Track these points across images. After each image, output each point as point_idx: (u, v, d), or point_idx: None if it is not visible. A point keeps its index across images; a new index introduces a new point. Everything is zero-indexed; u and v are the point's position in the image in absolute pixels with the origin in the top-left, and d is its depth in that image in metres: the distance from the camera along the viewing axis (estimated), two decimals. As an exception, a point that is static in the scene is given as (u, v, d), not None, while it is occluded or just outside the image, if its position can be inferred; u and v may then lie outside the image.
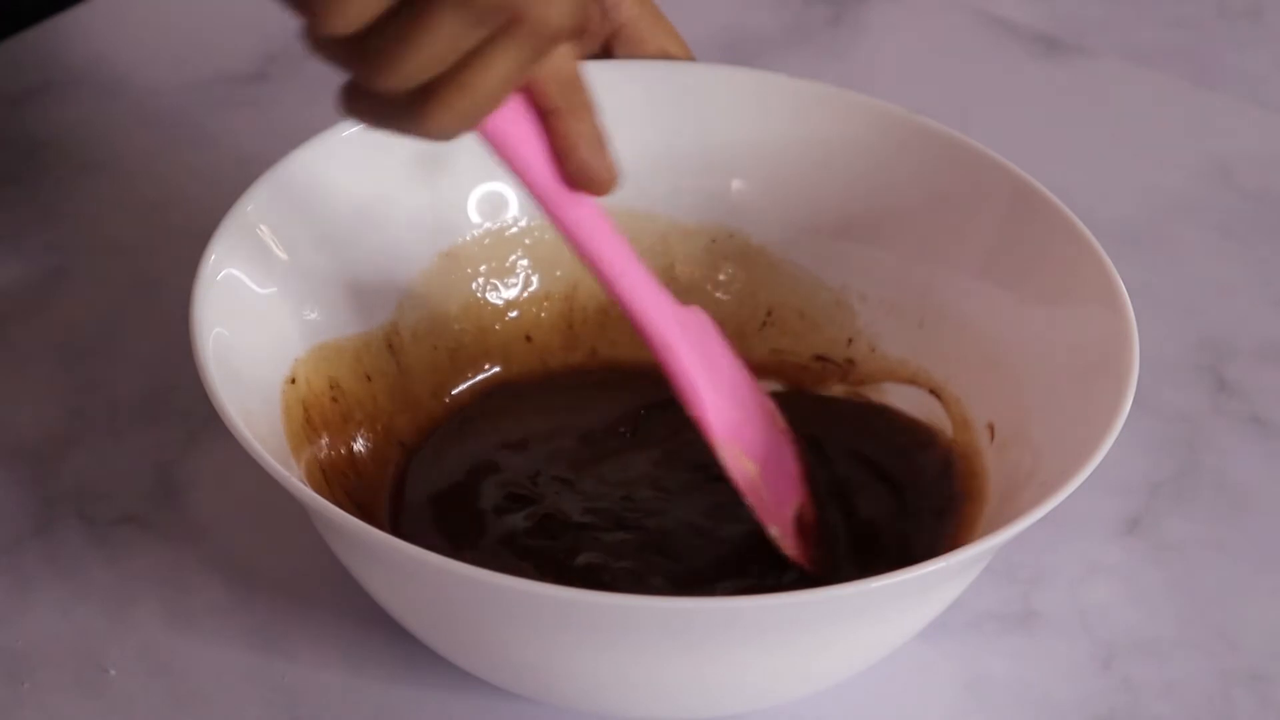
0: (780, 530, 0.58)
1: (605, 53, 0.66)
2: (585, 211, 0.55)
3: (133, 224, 0.75)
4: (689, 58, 0.67)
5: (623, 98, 0.66)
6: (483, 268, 0.66)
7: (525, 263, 0.67)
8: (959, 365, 0.63)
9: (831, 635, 0.52)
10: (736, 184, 0.67)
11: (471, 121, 0.50)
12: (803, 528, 0.60)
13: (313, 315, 0.61)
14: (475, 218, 0.66)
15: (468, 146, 0.65)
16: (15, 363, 0.69)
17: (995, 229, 0.63)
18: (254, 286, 0.59)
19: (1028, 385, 0.60)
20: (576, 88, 0.53)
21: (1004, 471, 0.59)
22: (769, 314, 0.67)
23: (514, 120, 0.53)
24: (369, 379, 0.63)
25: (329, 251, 0.62)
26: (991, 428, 0.61)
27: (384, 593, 0.55)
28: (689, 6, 0.72)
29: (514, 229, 0.66)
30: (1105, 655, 0.61)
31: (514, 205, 0.66)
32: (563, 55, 0.52)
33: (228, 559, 0.62)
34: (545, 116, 0.53)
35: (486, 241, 0.66)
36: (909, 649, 0.58)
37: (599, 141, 0.54)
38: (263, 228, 0.60)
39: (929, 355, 0.64)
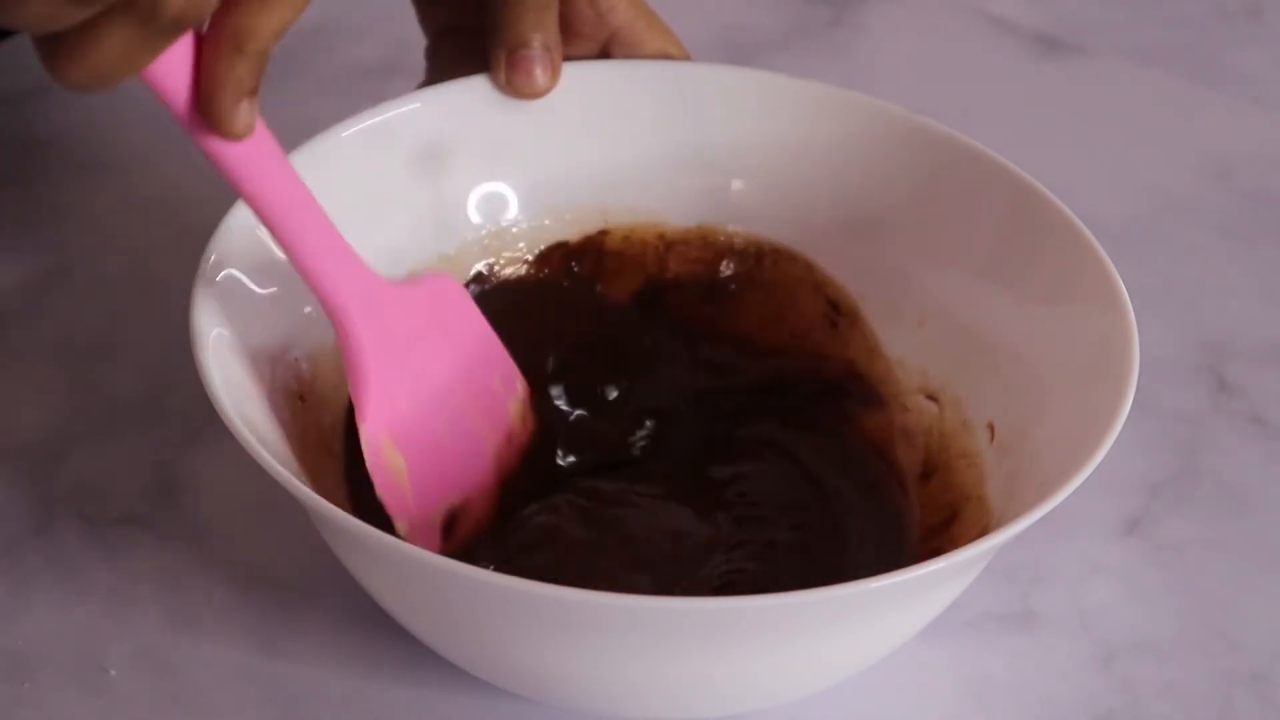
0: (411, 528, 0.58)
1: (603, 56, 0.66)
2: (245, 151, 0.52)
3: (133, 224, 0.75)
4: (687, 58, 0.67)
5: (623, 98, 0.66)
6: (483, 268, 0.66)
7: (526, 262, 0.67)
8: (959, 365, 0.63)
9: (831, 635, 0.52)
10: (736, 184, 0.67)
11: (100, 84, 0.48)
12: (456, 526, 0.59)
13: (313, 314, 0.61)
14: (475, 218, 0.66)
15: (468, 147, 0.65)
16: (15, 363, 0.69)
17: (995, 229, 0.63)
18: (254, 286, 0.59)
19: (1028, 385, 0.60)
20: (245, 35, 0.50)
21: (1004, 471, 0.59)
22: (769, 314, 0.67)
23: (169, 60, 0.50)
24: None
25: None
26: (991, 428, 0.61)
27: (384, 593, 0.55)
28: (689, 7, 0.72)
29: (514, 229, 0.66)
30: (1105, 655, 0.61)
31: (514, 205, 0.66)
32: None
33: (228, 559, 0.62)
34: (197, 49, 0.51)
35: (486, 241, 0.66)
36: (909, 649, 0.58)
37: (235, 82, 0.51)
38: (263, 228, 0.60)
39: (929, 355, 0.64)
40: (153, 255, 0.73)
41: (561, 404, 0.65)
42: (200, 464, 0.65)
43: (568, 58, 0.65)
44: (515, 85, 0.63)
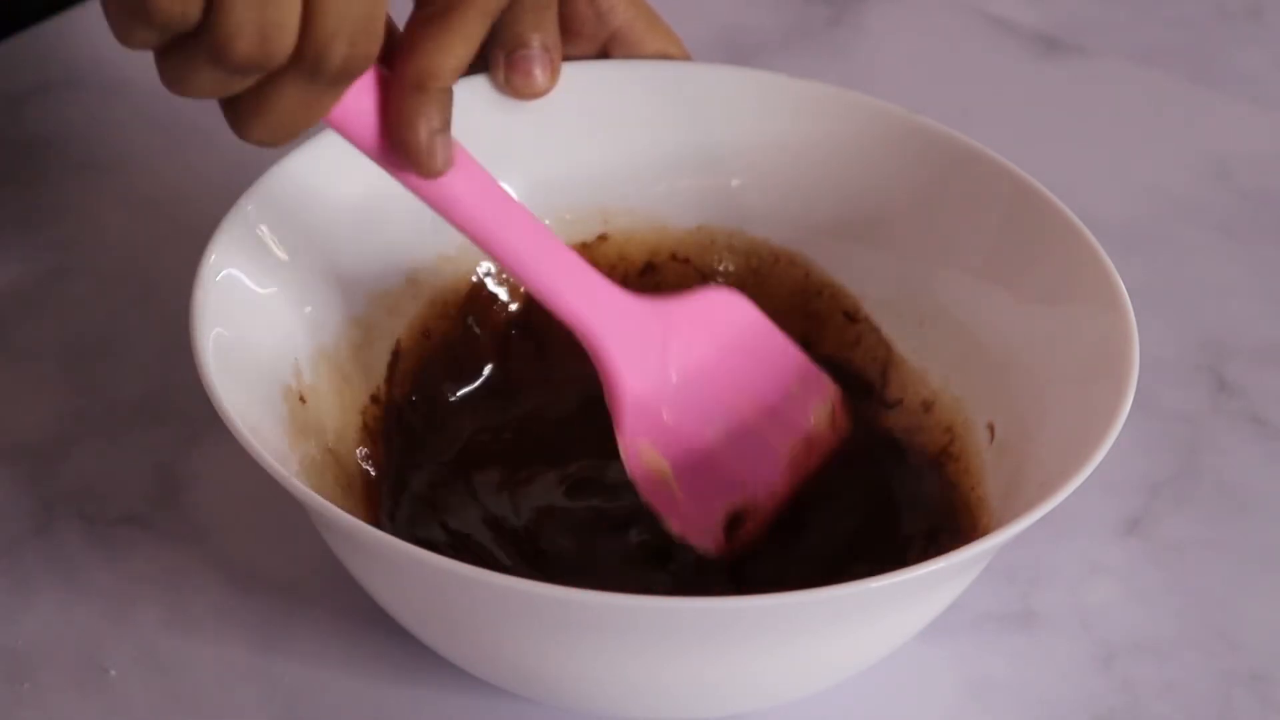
0: (685, 529, 0.58)
1: (602, 56, 0.66)
2: (461, 187, 0.54)
3: (133, 224, 0.75)
4: (687, 59, 0.67)
5: (623, 98, 0.66)
6: (483, 268, 0.66)
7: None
8: (959, 365, 0.63)
9: (831, 635, 0.52)
10: (736, 184, 0.67)
11: (284, 138, 0.50)
12: (741, 529, 0.60)
13: (313, 315, 0.61)
14: (475, 218, 0.66)
15: (468, 147, 0.65)
16: (15, 363, 0.69)
17: (995, 229, 0.63)
18: (254, 286, 0.59)
19: (1028, 385, 0.60)
20: (426, 75, 0.52)
21: (1004, 471, 0.59)
22: (769, 314, 0.67)
23: (356, 101, 0.52)
24: (369, 378, 0.63)
25: (329, 251, 0.62)
26: (991, 428, 0.61)
27: (384, 593, 0.55)
28: (689, 7, 0.72)
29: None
30: (1105, 655, 0.61)
31: (514, 205, 0.66)
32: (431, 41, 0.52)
33: (228, 559, 0.62)
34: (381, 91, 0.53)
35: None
36: (909, 649, 0.58)
37: (425, 121, 0.53)
38: (263, 228, 0.60)
39: (929, 355, 0.64)
40: (153, 255, 0.73)
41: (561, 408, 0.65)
42: (200, 464, 0.65)
43: (567, 58, 0.65)
44: (514, 86, 0.64)
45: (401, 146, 0.53)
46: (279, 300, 0.60)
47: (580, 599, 0.49)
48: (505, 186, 0.66)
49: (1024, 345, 0.61)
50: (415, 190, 0.54)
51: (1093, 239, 0.60)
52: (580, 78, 0.65)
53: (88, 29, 0.85)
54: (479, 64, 0.64)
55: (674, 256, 0.67)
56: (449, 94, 0.53)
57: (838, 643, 0.53)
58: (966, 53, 0.88)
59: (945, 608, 0.56)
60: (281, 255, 0.60)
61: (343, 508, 0.52)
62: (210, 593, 0.61)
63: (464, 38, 0.53)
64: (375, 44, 0.49)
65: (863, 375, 0.65)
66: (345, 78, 0.49)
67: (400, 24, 0.55)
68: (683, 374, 0.59)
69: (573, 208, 0.67)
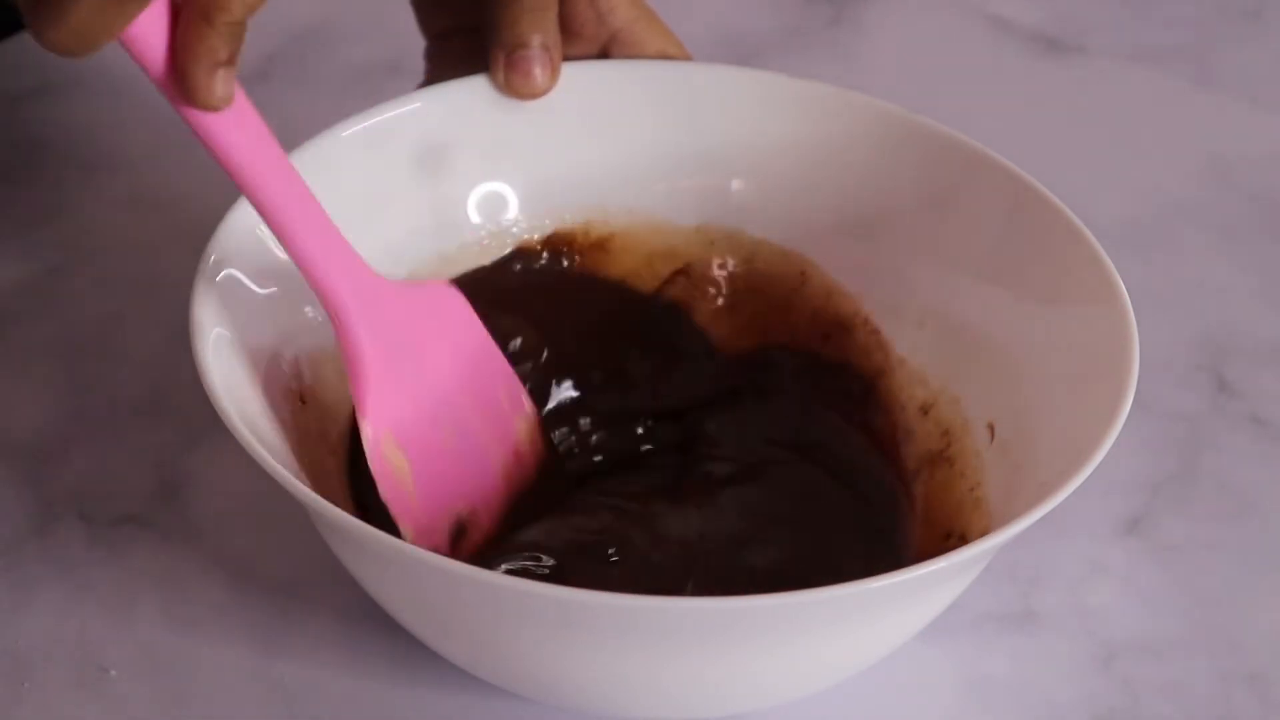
0: (416, 533, 0.57)
1: (602, 56, 0.66)
2: (235, 131, 0.53)
3: (133, 224, 0.75)
4: (687, 59, 0.67)
5: (623, 98, 0.66)
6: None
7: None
8: (959, 365, 0.63)
9: (831, 635, 0.52)
10: (736, 184, 0.67)
11: (81, 46, 0.49)
12: (464, 538, 0.59)
13: (313, 315, 0.61)
14: (475, 218, 0.66)
15: (468, 147, 0.65)
16: (15, 363, 0.69)
17: (995, 229, 0.63)
18: (254, 286, 0.59)
19: (1028, 385, 0.60)
20: (214, 6, 0.51)
21: (1004, 471, 0.59)
22: (770, 314, 0.67)
23: (149, 27, 0.51)
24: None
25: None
26: (991, 428, 0.61)
27: (384, 593, 0.55)
28: (689, 7, 0.72)
29: (514, 229, 0.66)
30: (1105, 655, 0.61)
31: (514, 205, 0.66)
32: None
33: (228, 559, 0.62)
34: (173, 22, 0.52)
35: (486, 241, 0.66)
36: (909, 649, 0.58)
37: (207, 52, 0.51)
38: (263, 228, 0.60)
39: (929, 355, 0.64)
40: (153, 255, 0.73)
41: (566, 401, 0.65)
42: (200, 464, 0.65)
43: (568, 58, 0.65)
44: (514, 86, 0.63)
45: (181, 76, 0.51)
46: (279, 300, 0.60)
47: (580, 599, 0.49)
48: (505, 186, 0.66)
49: (1024, 345, 0.61)
50: (192, 125, 0.53)
51: (1093, 239, 0.60)
52: (580, 78, 0.65)
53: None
54: (478, 64, 0.64)
55: (675, 269, 0.67)
56: (239, 29, 0.51)
57: (838, 643, 0.53)
58: (966, 53, 0.88)
59: (945, 608, 0.56)
60: (281, 255, 0.60)
61: (343, 508, 0.52)
62: (210, 593, 0.61)
63: None
64: None
65: (862, 375, 0.65)
66: None
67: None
68: (418, 366, 0.58)
69: (573, 207, 0.67)
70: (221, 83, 0.51)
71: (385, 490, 0.57)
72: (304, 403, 0.59)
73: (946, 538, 0.60)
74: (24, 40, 0.84)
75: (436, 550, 0.57)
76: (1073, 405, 0.57)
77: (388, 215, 0.64)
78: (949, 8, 0.91)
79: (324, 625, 0.60)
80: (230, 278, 0.58)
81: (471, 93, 0.64)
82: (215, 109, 0.52)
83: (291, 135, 0.61)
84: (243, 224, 0.59)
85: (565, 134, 0.66)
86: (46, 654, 0.59)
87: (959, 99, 0.83)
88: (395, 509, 0.57)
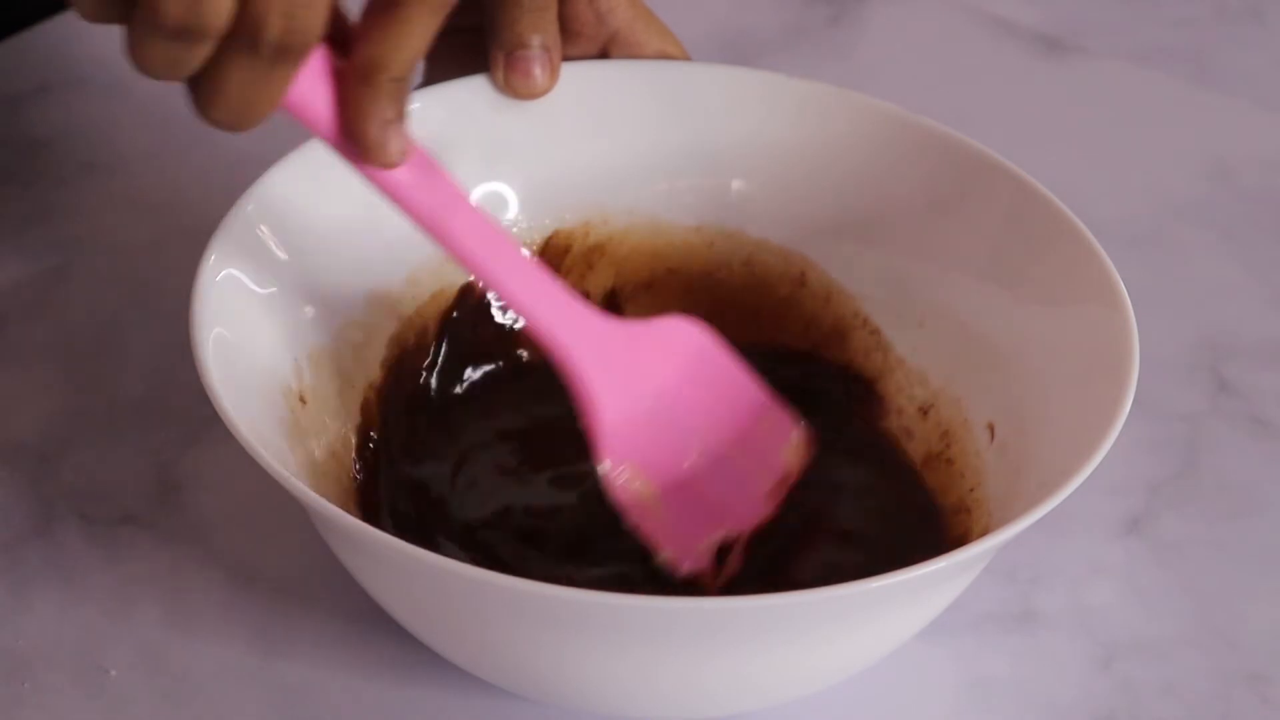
0: (675, 555, 0.58)
1: (602, 56, 0.66)
2: (418, 186, 0.54)
3: (133, 224, 0.75)
4: (687, 59, 0.67)
5: (623, 98, 0.66)
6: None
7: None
8: (959, 365, 0.63)
9: (831, 635, 0.52)
10: (736, 184, 0.67)
11: (244, 121, 0.50)
12: (728, 559, 0.59)
13: (313, 315, 0.61)
14: (475, 218, 0.66)
15: (468, 147, 0.65)
16: (15, 363, 0.69)
17: (995, 229, 0.63)
18: (254, 286, 0.59)
19: (1028, 385, 0.60)
20: (374, 67, 0.52)
21: (1004, 471, 0.59)
22: (770, 314, 0.67)
23: (312, 91, 0.52)
24: (369, 378, 0.63)
25: (329, 251, 0.62)
26: (991, 428, 0.61)
27: (384, 593, 0.55)
28: (688, 6, 0.72)
29: (514, 229, 0.66)
30: (1105, 655, 0.61)
31: (514, 205, 0.66)
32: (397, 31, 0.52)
33: (228, 559, 0.62)
34: (338, 85, 0.53)
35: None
36: (909, 649, 0.58)
37: (376, 112, 0.52)
38: (263, 228, 0.60)
39: (929, 355, 0.64)
40: (153, 255, 0.73)
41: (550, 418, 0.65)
42: (200, 464, 0.65)
43: (567, 58, 0.65)
44: (514, 86, 0.64)
45: (353, 137, 0.52)
46: (279, 300, 0.60)
47: (580, 599, 0.49)
48: (505, 186, 0.66)
49: (1024, 345, 0.61)
50: (373, 182, 0.54)
51: (1093, 239, 0.60)
52: (580, 78, 0.65)
53: (88, 29, 0.84)
54: (479, 64, 0.64)
55: (670, 270, 0.67)
56: (402, 85, 0.52)
57: (838, 643, 0.53)
58: (966, 53, 0.88)
59: (945, 608, 0.56)
60: (281, 255, 0.60)
61: (343, 508, 0.52)
62: (210, 593, 0.61)
63: (413, 30, 0.52)
64: (314, 20, 0.49)
65: (862, 375, 0.65)
66: (287, 55, 0.49)
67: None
68: (654, 399, 0.59)
69: (573, 208, 0.67)
70: (395, 140, 0.53)
71: (634, 518, 0.58)
72: (304, 403, 0.59)
73: (946, 537, 0.60)
74: (24, 40, 0.84)
75: (701, 571, 0.58)
76: (1073, 405, 0.57)
77: (387, 216, 0.64)
78: (949, 8, 0.91)
79: (324, 625, 0.60)
80: (230, 278, 0.58)
81: (471, 93, 0.64)
82: (393, 165, 0.53)
83: (292, 135, 0.61)
84: (243, 224, 0.59)
85: (565, 134, 0.66)
86: (46, 654, 0.59)
87: (959, 99, 0.83)
88: (650, 535, 0.58)
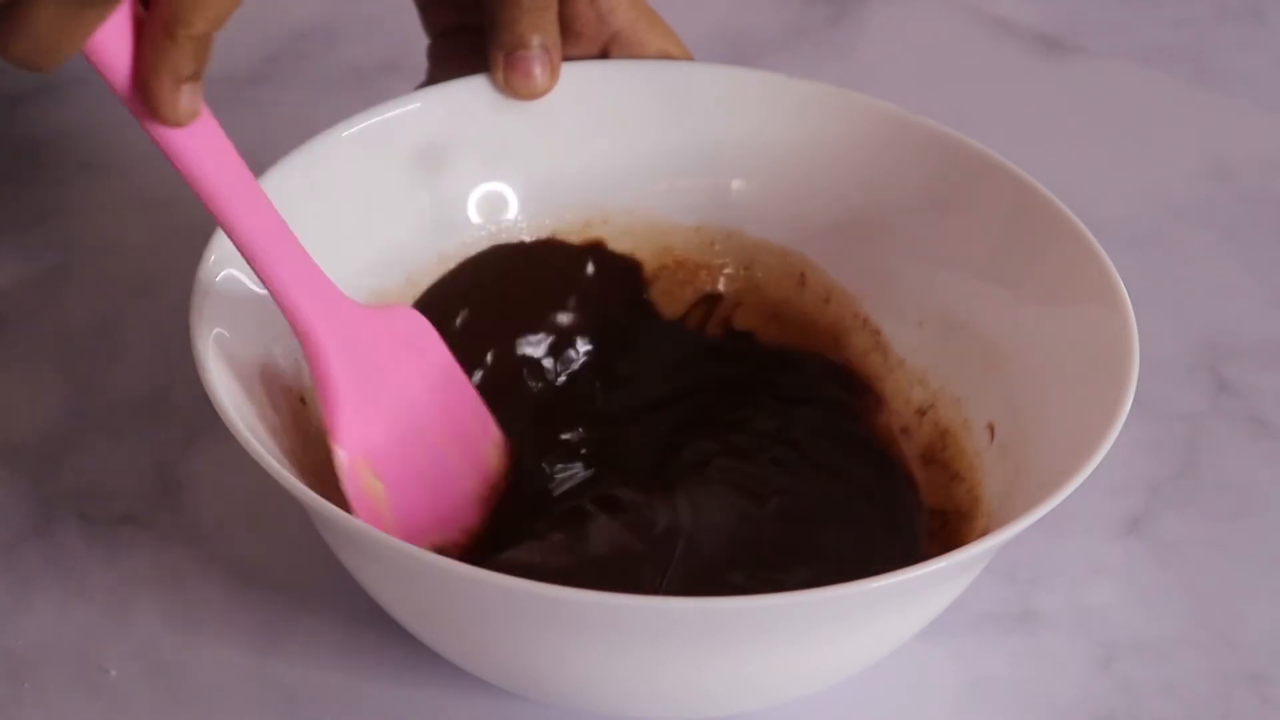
0: None
1: (603, 56, 0.66)
2: (201, 148, 0.53)
3: (133, 224, 0.75)
4: (688, 59, 0.67)
5: (623, 98, 0.66)
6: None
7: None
8: (959, 365, 0.63)
9: (831, 635, 0.52)
10: (736, 184, 0.67)
11: (45, 59, 0.49)
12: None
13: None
14: (475, 218, 0.66)
15: (468, 147, 0.65)
16: (15, 363, 0.69)
17: (995, 229, 0.63)
18: (254, 286, 0.59)
19: (1028, 385, 0.60)
20: (175, 20, 0.50)
21: (1004, 471, 0.59)
22: (768, 313, 0.67)
23: (114, 41, 0.50)
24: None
25: (328, 252, 0.62)
26: (991, 428, 0.61)
27: (384, 593, 0.55)
28: (689, 6, 0.72)
29: (514, 229, 0.66)
30: (1105, 655, 0.61)
31: (514, 205, 0.66)
32: None
33: (228, 559, 0.62)
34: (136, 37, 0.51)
35: (486, 242, 0.66)
36: (909, 649, 0.58)
37: (170, 67, 0.51)
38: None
39: (929, 355, 0.64)
40: (153, 255, 0.73)
41: (558, 388, 0.65)
42: (200, 464, 0.65)
43: (568, 58, 0.65)
44: (514, 86, 0.63)
45: (145, 90, 0.51)
46: (279, 300, 0.60)
47: (580, 599, 0.49)
48: (505, 186, 0.66)
49: (1024, 345, 0.61)
50: (157, 141, 0.52)
51: (1093, 239, 0.60)
52: (580, 78, 0.65)
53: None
54: (482, 64, 0.64)
55: (675, 262, 0.67)
56: (202, 43, 0.51)
57: (838, 643, 0.53)
58: (966, 53, 0.88)
59: (945, 608, 0.56)
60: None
61: (343, 508, 0.52)
62: (210, 593, 0.61)
63: None
64: None
65: (862, 375, 0.65)
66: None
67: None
68: (390, 393, 0.58)
69: (573, 208, 0.67)
70: (186, 98, 0.51)
71: (362, 516, 0.56)
72: (304, 403, 0.59)
73: (946, 537, 0.60)
74: None
75: None
76: (1073, 405, 0.57)
77: (388, 215, 0.64)
78: (949, 8, 0.91)
79: (324, 625, 0.60)
80: (230, 278, 0.58)
81: (471, 93, 0.64)
82: (179, 124, 0.51)
83: (292, 135, 0.61)
84: (243, 224, 0.59)
85: (565, 134, 0.66)
86: (46, 654, 0.59)
87: (959, 99, 0.83)
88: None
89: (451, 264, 0.65)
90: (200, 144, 0.52)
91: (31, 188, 0.77)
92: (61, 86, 0.82)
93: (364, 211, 0.63)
